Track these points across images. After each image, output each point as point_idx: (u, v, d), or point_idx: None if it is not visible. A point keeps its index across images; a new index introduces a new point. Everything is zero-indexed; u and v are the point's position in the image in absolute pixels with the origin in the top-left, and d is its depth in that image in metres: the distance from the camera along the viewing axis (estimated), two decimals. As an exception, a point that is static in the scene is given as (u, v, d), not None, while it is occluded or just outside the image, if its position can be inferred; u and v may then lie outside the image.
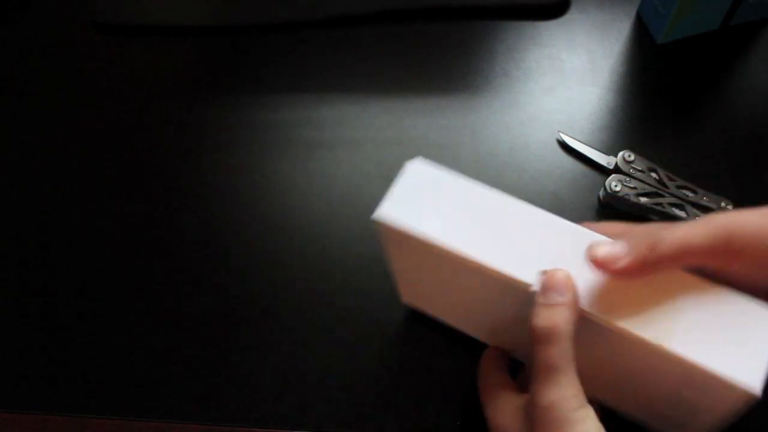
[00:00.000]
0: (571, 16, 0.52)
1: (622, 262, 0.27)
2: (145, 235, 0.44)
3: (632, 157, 0.43)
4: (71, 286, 0.43)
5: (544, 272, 0.28)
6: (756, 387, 0.25)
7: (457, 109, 0.48)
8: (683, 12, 0.47)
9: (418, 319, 0.40)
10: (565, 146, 0.46)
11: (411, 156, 0.46)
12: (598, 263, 0.27)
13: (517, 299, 0.29)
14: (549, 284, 0.27)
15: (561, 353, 0.26)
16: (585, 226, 0.30)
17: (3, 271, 0.43)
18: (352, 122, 0.48)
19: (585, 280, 0.28)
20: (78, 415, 0.39)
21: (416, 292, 0.37)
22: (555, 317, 0.27)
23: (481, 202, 0.31)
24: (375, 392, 0.39)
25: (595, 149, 0.45)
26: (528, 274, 0.28)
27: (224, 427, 0.38)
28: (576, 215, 0.43)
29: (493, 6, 0.52)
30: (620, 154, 0.44)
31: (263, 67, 0.51)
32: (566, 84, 0.48)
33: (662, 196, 0.42)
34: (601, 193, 0.43)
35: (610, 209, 0.43)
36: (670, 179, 0.43)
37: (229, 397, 0.39)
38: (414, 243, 0.30)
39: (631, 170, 0.43)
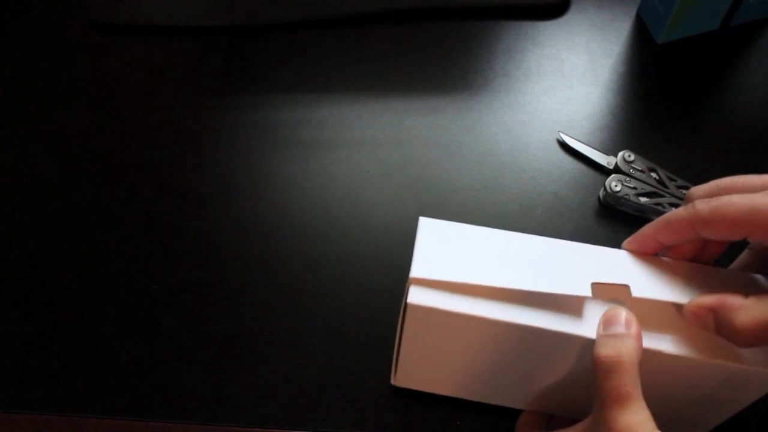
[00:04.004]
0: (571, 16, 0.52)
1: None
2: (145, 235, 0.44)
3: (632, 157, 0.43)
4: (70, 285, 0.43)
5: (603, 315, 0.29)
6: None
7: (457, 109, 0.48)
8: (683, 12, 0.47)
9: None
10: (565, 146, 0.46)
11: (411, 156, 0.46)
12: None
13: (567, 354, 0.30)
14: (610, 320, 0.28)
15: (630, 381, 0.26)
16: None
17: (2, 271, 0.43)
18: (352, 122, 0.48)
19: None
20: (78, 415, 0.39)
21: (421, 371, 0.35)
22: (621, 346, 0.27)
23: (505, 252, 0.31)
24: (375, 392, 0.39)
25: (595, 149, 0.45)
26: (585, 328, 0.29)
27: (224, 427, 0.38)
28: (576, 215, 0.43)
29: (493, 6, 0.52)
30: (620, 154, 0.44)
31: (263, 67, 0.51)
32: (566, 84, 0.48)
33: (662, 196, 0.42)
34: (601, 193, 0.43)
35: (610, 209, 0.43)
36: (670, 179, 0.43)
37: (229, 397, 0.39)
38: (454, 319, 0.30)
39: (631, 170, 0.43)
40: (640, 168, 0.43)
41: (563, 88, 0.48)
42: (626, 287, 0.29)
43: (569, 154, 0.46)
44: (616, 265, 0.30)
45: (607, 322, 0.28)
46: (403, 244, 0.43)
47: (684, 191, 0.42)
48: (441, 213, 0.43)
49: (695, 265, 0.31)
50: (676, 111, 0.47)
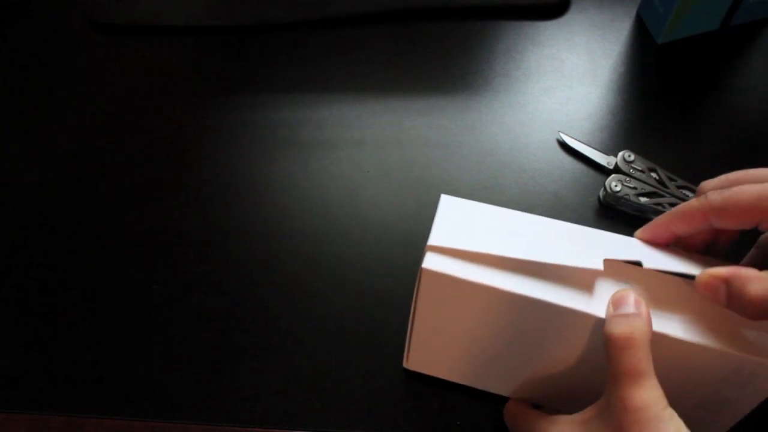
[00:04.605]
0: (571, 16, 0.52)
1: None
2: (145, 235, 0.44)
3: (632, 157, 0.43)
4: (70, 285, 0.43)
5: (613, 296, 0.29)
6: None
7: (457, 109, 0.48)
8: (683, 12, 0.47)
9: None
10: (565, 146, 0.46)
11: (411, 156, 0.46)
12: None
13: (574, 333, 0.30)
14: (619, 301, 0.28)
15: (644, 357, 0.27)
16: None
17: (2, 271, 0.43)
18: (352, 122, 0.48)
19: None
20: (78, 415, 0.39)
21: (431, 352, 0.36)
22: (633, 323, 0.27)
23: (521, 229, 0.32)
24: (375, 392, 0.39)
25: (595, 149, 0.45)
26: (594, 306, 0.29)
27: (224, 427, 0.38)
28: (576, 215, 0.43)
29: (493, 6, 0.52)
30: (620, 154, 0.44)
31: (263, 67, 0.51)
32: (566, 84, 0.48)
33: (662, 196, 0.42)
34: (601, 193, 0.43)
35: (610, 209, 0.43)
36: (670, 179, 0.43)
37: (229, 397, 0.39)
38: (467, 289, 0.30)
39: (631, 170, 0.43)
40: (640, 168, 0.43)
41: (563, 88, 0.48)
42: (638, 265, 0.29)
43: (569, 154, 0.46)
44: (629, 246, 0.31)
45: (616, 303, 0.28)
46: (403, 244, 0.43)
47: (684, 191, 0.42)
48: (441, 213, 0.43)
49: (706, 257, 0.31)
50: (676, 111, 0.47)
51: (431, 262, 0.30)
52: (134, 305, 0.42)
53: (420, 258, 0.31)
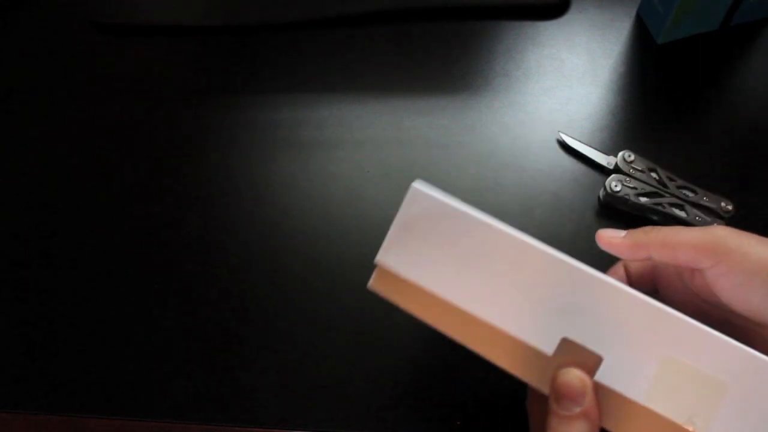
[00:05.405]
0: (571, 16, 0.52)
1: (619, 239, 0.30)
2: (145, 235, 0.44)
3: (632, 157, 0.43)
4: (70, 286, 0.43)
5: (560, 367, 0.25)
6: None
7: (457, 109, 0.48)
8: (683, 12, 0.47)
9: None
10: (565, 146, 0.46)
11: (411, 156, 0.46)
12: (603, 241, 0.30)
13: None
14: (561, 392, 0.25)
15: None
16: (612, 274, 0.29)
17: (3, 271, 0.43)
18: (352, 122, 0.48)
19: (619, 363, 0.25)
20: (78, 415, 0.39)
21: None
22: (573, 429, 0.24)
23: (491, 250, 0.27)
24: (374, 392, 0.39)
25: (595, 149, 0.45)
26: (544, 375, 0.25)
27: (224, 427, 0.38)
28: (576, 215, 0.43)
29: (493, 6, 0.52)
30: (620, 154, 0.44)
31: (263, 67, 0.51)
32: (566, 84, 0.48)
33: (662, 196, 0.42)
34: (601, 193, 0.43)
35: (610, 209, 0.43)
36: (670, 179, 0.43)
37: (229, 397, 0.39)
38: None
39: (631, 170, 0.43)
40: (640, 168, 0.43)
41: (563, 88, 0.48)
42: (598, 359, 0.25)
43: (569, 154, 0.46)
44: (603, 314, 0.26)
45: (557, 393, 0.25)
46: (403, 244, 0.43)
47: (684, 191, 0.42)
48: (441, 213, 0.43)
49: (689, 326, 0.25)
50: (676, 111, 0.47)
51: (375, 284, 0.29)
52: (134, 305, 0.42)
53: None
